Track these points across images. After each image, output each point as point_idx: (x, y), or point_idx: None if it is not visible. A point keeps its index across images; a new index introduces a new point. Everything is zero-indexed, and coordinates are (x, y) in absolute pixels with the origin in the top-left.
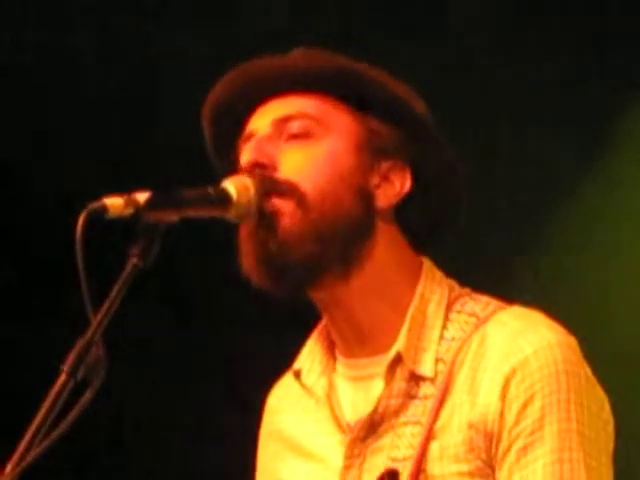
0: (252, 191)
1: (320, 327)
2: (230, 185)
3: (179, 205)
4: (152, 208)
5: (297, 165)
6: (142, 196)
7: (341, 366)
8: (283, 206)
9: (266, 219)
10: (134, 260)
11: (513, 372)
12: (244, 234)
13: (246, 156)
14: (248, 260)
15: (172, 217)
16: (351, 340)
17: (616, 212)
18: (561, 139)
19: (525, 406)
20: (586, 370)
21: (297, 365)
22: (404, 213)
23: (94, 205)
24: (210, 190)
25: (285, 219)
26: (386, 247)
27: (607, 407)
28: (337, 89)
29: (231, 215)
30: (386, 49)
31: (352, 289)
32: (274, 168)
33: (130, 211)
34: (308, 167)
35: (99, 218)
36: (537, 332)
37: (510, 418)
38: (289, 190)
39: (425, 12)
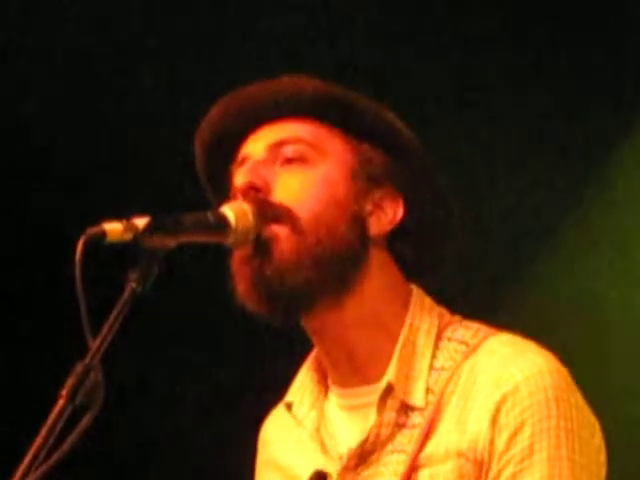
0: (250, 217)
1: (311, 358)
2: (229, 211)
3: (178, 231)
4: (151, 233)
5: (292, 190)
6: (141, 221)
7: (334, 396)
8: (278, 231)
9: (262, 244)
10: (132, 285)
11: (503, 399)
12: (238, 259)
13: (240, 178)
14: (243, 285)
15: (171, 242)
16: (344, 369)
17: (609, 240)
18: (553, 167)
19: (515, 433)
20: (577, 396)
21: (288, 398)
22: (396, 241)
23: (93, 230)
24: (209, 216)
25: (281, 244)
26: (378, 275)
27: (599, 434)
28: (330, 116)
29: (229, 241)
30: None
31: (345, 316)
32: (268, 191)
33: (129, 236)
34: (303, 192)
35: (98, 243)
36: (527, 359)
37: (500, 445)
38: (284, 215)
39: None
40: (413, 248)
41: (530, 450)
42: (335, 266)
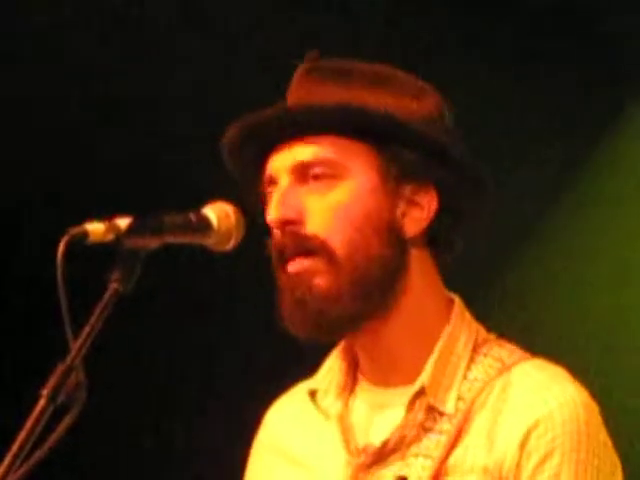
0: (233, 218)
1: (341, 347)
2: (211, 212)
3: (160, 231)
4: (133, 234)
5: (324, 218)
6: (123, 222)
7: (362, 391)
8: (314, 265)
9: (297, 279)
10: (114, 285)
11: (536, 424)
12: (281, 285)
13: (272, 212)
14: (286, 313)
15: (153, 243)
16: (380, 369)
17: (591, 240)
18: (535, 164)
19: (544, 459)
20: (604, 434)
21: (314, 385)
22: (433, 231)
23: (75, 230)
24: (191, 217)
25: (318, 279)
26: (420, 275)
27: (620, 475)
28: (350, 130)
29: (211, 242)
30: None
31: (389, 326)
32: (302, 222)
33: (111, 237)
34: (335, 219)
35: (80, 243)
36: (562, 388)
37: (528, 469)
38: (319, 247)
39: None
40: (447, 235)
41: (557, 478)
42: (376, 288)
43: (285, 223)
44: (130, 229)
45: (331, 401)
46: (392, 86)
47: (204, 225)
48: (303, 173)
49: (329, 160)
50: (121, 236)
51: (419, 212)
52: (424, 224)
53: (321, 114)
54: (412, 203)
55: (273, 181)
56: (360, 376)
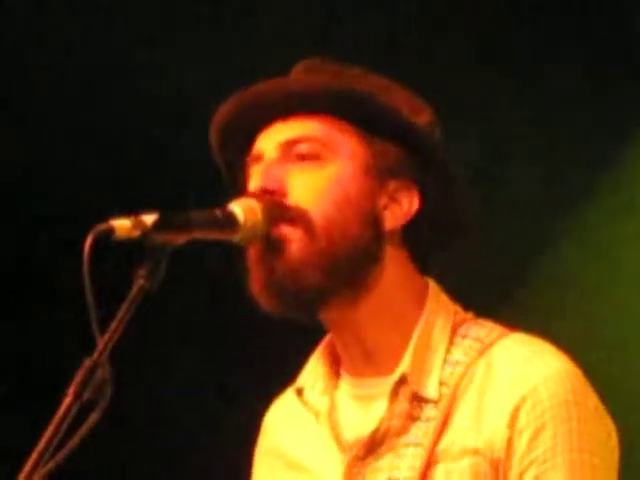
0: (259, 214)
1: (324, 343)
2: (237, 208)
3: (186, 227)
4: (159, 230)
5: (306, 191)
6: (149, 218)
7: (345, 384)
8: (291, 233)
9: (274, 245)
10: (141, 281)
11: (523, 400)
12: (252, 258)
13: (255, 182)
14: (256, 285)
15: (179, 239)
16: (357, 359)
17: (618, 246)
18: (564, 168)
19: (537, 434)
20: (594, 399)
21: (299, 382)
22: (412, 233)
23: (101, 227)
24: (217, 212)
25: (293, 246)
26: (394, 270)
27: (614, 436)
28: (341, 111)
29: (237, 238)
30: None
31: (359, 311)
32: (283, 194)
33: (137, 233)
34: (317, 193)
35: (106, 239)
36: (545, 360)
37: (521, 446)
38: (298, 217)
39: None
40: (427, 240)
41: (553, 452)
42: (347, 268)
43: (265, 192)
44: (156, 225)
45: (317, 397)
46: (391, 94)
47: (230, 221)
48: (289, 151)
49: (316, 138)
50: (147, 232)
51: (399, 209)
52: (402, 221)
53: (309, 90)
54: (393, 199)
55: (259, 158)
56: (342, 371)
